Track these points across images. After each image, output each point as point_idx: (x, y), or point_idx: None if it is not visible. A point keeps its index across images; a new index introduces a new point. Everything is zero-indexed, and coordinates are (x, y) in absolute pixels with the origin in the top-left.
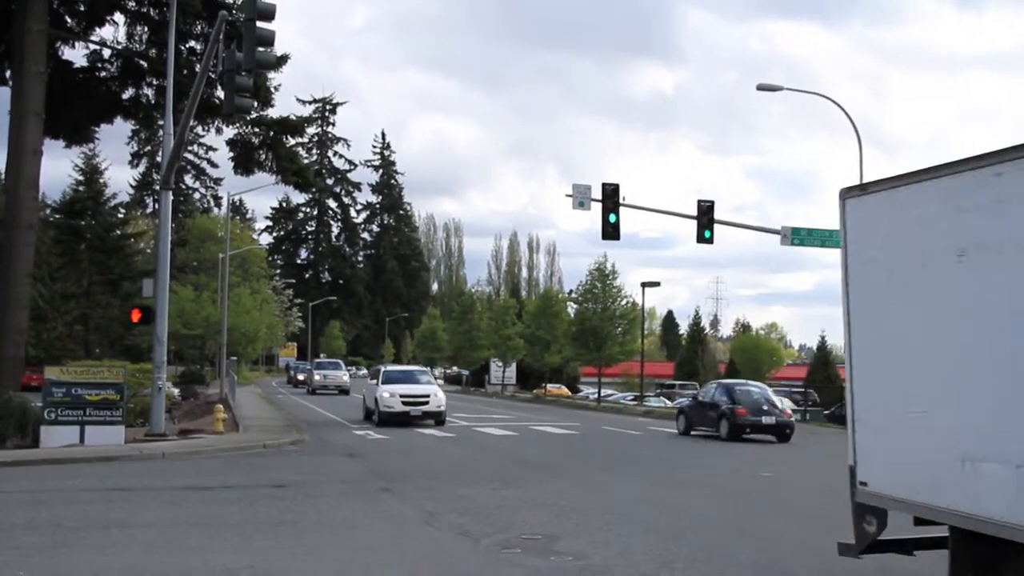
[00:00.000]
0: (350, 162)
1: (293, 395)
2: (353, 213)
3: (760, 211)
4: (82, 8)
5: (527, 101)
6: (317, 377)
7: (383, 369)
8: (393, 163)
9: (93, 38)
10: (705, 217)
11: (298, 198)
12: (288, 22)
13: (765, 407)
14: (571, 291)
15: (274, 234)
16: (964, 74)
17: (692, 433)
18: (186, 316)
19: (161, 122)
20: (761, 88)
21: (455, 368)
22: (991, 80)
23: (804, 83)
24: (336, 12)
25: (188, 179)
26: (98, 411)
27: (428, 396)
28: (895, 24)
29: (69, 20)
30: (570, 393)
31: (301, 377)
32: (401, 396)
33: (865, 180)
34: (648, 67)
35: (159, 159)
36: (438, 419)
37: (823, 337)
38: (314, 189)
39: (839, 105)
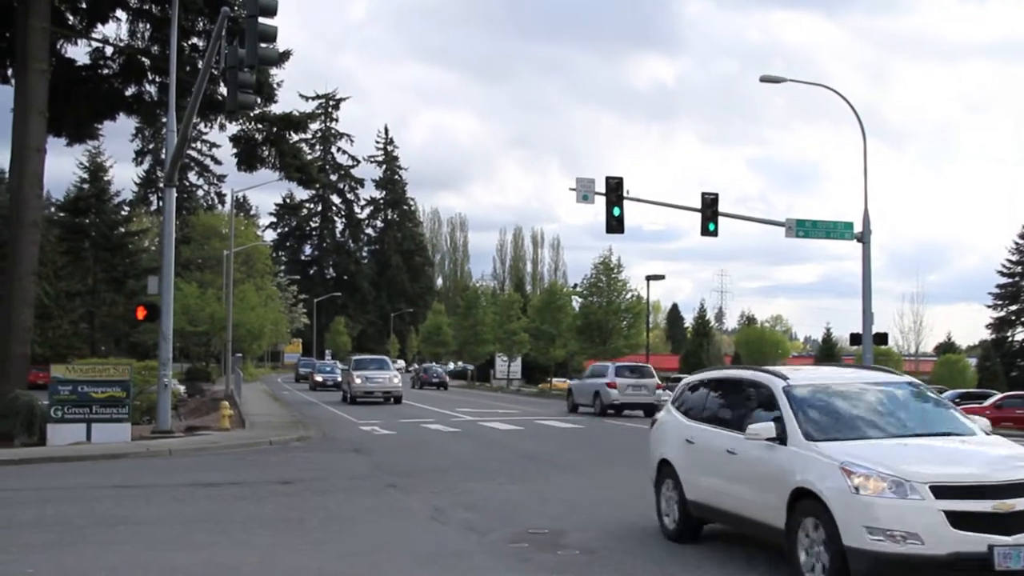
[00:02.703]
0: (353, 158)
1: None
2: (357, 209)
3: (763, 202)
4: (84, 5)
5: (528, 93)
6: (358, 380)
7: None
8: (396, 158)
9: (95, 35)
10: (709, 210)
11: (302, 194)
12: (287, 16)
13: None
14: (576, 285)
15: (278, 230)
16: (967, 63)
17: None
18: (191, 313)
19: (164, 119)
20: (765, 80)
21: (460, 363)
22: (995, 69)
23: (805, 73)
24: (335, 5)
25: (192, 176)
26: (104, 409)
27: None
28: (896, 13)
29: (71, 18)
30: None
31: (320, 378)
32: None
33: (870, 171)
34: (649, 58)
35: (163, 156)
36: None
37: (828, 329)
38: (317, 185)
39: (842, 96)
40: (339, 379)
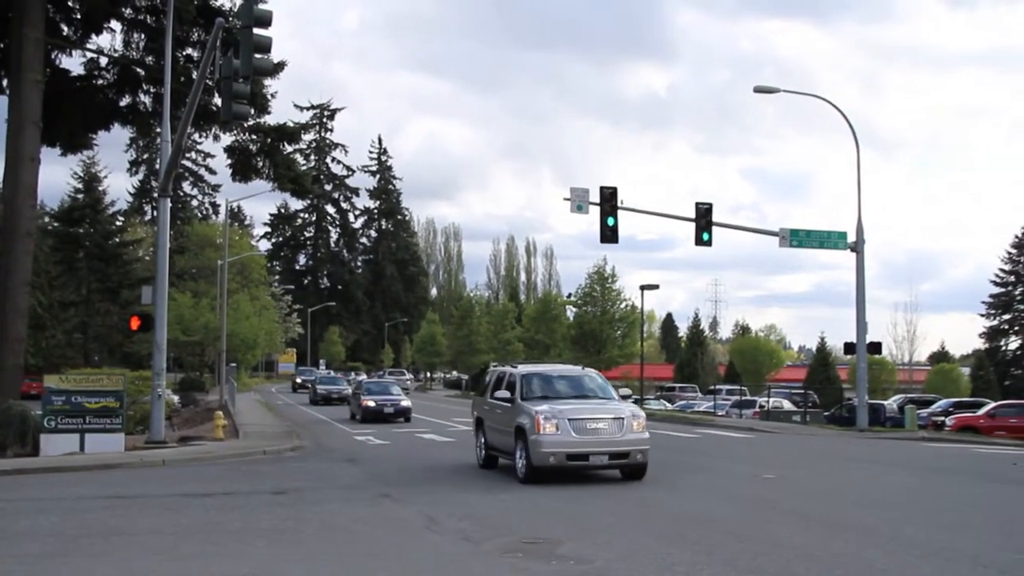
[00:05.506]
0: (348, 168)
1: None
2: (351, 218)
3: (756, 212)
4: (78, 16)
5: (520, 102)
6: (548, 427)
7: None
8: (390, 168)
9: (90, 46)
10: (704, 219)
11: (296, 204)
12: (279, 25)
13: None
14: (570, 294)
15: (273, 240)
16: (959, 72)
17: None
18: (185, 323)
19: (159, 130)
20: (758, 90)
21: (455, 373)
22: (986, 77)
23: (797, 82)
24: (327, 14)
25: (186, 186)
26: (98, 419)
27: None
28: (888, 22)
29: (65, 28)
30: None
31: (372, 403)
32: None
33: (863, 181)
34: (641, 67)
35: (157, 166)
36: None
37: (823, 338)
38: (312, 195)
39: (835, 106)
40: (402, 403)
